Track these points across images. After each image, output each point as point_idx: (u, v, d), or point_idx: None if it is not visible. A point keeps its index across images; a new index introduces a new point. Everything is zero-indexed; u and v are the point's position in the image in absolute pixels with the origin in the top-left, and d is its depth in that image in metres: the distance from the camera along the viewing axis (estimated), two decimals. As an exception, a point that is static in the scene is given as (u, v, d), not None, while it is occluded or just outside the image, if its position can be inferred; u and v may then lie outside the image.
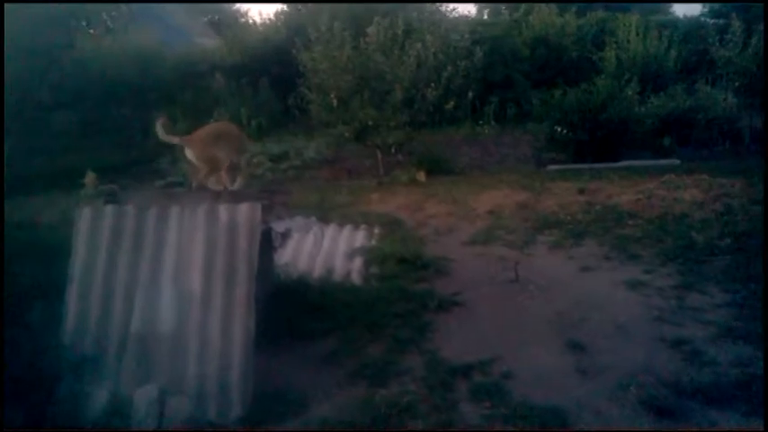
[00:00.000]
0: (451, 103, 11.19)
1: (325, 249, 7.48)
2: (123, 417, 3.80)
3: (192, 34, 31.70)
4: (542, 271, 6.50)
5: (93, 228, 4.56)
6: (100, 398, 3.93)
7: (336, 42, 11.06)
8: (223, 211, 4.58)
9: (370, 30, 11.02)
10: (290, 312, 5.48)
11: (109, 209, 4.60)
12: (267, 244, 5.66)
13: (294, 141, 14.71)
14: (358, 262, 6.98)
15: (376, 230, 8.24)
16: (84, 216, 4.60)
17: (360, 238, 7.93)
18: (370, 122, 10.74)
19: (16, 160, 12.43)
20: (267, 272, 5.70)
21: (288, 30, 18.92)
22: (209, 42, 26.71)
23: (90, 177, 9.32)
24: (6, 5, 9.11)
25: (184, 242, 4.51)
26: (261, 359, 4.41)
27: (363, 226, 8.39)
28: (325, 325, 5.36)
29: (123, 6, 16.09)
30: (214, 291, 4.36)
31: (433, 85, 10.71)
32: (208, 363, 4.17)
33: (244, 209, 4.59)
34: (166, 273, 4.42)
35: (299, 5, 20.32)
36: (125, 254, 4.48)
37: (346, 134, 11.14)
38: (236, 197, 4.77)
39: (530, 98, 14.76)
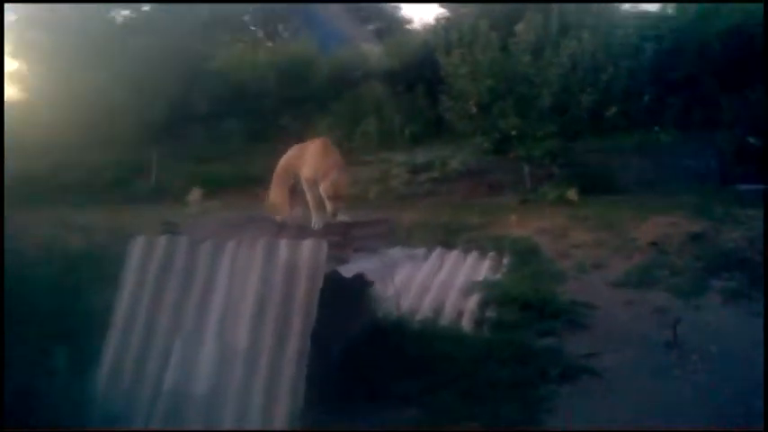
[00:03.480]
0: (613, 109, 9.55)
1: (440, 282, 6.49)
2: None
3: (355, 41, 32.25)
4: (713, 332, 4.95)
5: (144, 261, 4.01)
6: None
7: (480, 44, 9.96)
8: (283, 248, 3.81)
9: (519, 28, 9.78)
10: (379, 365, 4.58)
11: (160, 240, 4.03)
12: (360, 285, 4.85)
13: (442, 151, 13.86)
14: (474, 301, 5.90)
15: (505, 260, 7.07)
16: (136, 246, 4.08)
17: (484, 269, 6.82)
18: (514, 132, 9.50)
19: (161, 168, 13.01)
20: (352, 315, 4.88)
21: (447, 33, 18.17)
22: (370, 50, 26.86)
23: (195, 194, 9.13)
24: (152, 14, 9.47)
25: (236, 284, 3.80)
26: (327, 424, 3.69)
27: (491, 254, 7.25)
28: (416, 385, 4.35)
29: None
30: (262, 346, 3.59)
31: (589, 89, 9.17)
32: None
33: (307, 246, 3.78)
34: (212, 320, 3.73)
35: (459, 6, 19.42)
36: (171, 294, 3.86)
37: (485, 144, 10.01)
38: (300, 231, 3.99)
39: (719, 101, 12.41)
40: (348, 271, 3.82)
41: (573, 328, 5.26)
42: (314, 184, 4.20)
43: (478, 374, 4.48)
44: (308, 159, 4.25)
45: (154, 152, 13.04)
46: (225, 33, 13.67)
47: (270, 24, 30.77)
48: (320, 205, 4.24)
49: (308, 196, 4.27)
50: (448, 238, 7.95)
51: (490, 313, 5.61)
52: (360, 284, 4.93)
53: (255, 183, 12.58)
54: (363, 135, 16.03)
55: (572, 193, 9.28)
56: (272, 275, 3.76)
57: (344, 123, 16.56)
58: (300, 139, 14.60)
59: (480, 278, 6.44)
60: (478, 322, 5.44)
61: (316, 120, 17.79)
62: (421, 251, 6.45)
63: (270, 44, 20.40)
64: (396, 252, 5.02)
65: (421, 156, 13.71)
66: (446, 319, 5.59)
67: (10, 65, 11.34)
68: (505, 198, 9.94)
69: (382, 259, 4.59)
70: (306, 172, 4.24)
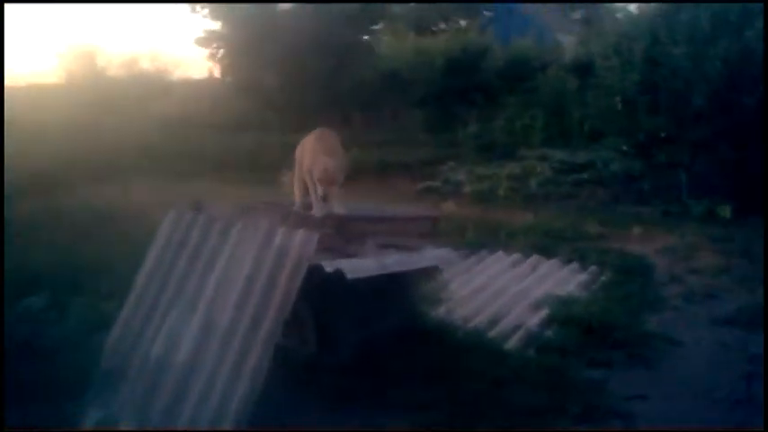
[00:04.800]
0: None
1: (516, 291, 6.01)
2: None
3: (554, 32, 30.81)
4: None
5: (168, 233, 4.28)
6: (88, 418, 3.61)
7: (639, 30, 8.86)
8: (278, 235, 3.81)
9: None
10: (390, 368, 4.39)
11: (178, 216, 4.26)
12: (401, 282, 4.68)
13: (582, 152, 12.76)
14: (538, 317, 5.36)
15: (603, 277, 6.31)
16: (167, 221, 4.36)
17: (575, 283, 6.15)
18: (663, 134, 8.35)
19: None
20: (381, 312, 4.71)
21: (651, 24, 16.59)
22: (568, 40, 25.49)
23: (286, 176, 9.26)
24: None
25: (232, 264, 3.89)
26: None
27: (592, 269, 6.52)
28: (419, 395, 4.09)
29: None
30: (238, 326, 3.64)
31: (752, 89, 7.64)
32: (204, 407, 3.50)
33: (298, 236, 3.74)
34: (206, 295, 3.87)
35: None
36: (181, 267, 4.08)
37: (624, 147, 8.93)
38: (302, 221, 3.93)
39: None
40: (331, 266, 3.69)
41: (635, 364, 4.53)
42: (310, 172, 4.13)
43: (491, 395, 4.09)
44: (306, 149, 4.17)
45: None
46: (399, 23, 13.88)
47: (457, 12, 30.75)
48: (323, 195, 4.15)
49: (309, 185, 4.19)
50: (554, 244, 7.31)
51: (549, 333, 5.07)
52: (400, 282, 4.78)
53: (398, 170, 12.81)
54: (524, 129, 15.37)
55: (725, 209, 7.92)
56: (263, 260, 3.79)
57: (512, 115, 16.03)
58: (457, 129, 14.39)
59: (562, 292, 5.83)
60: (530, 341, 4.93)
61: (486, 110, 17.50)
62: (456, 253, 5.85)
63: (444, 31, 20.39)
64: (438, 252, 4.72)
65: (584, 156, 12.79)
66: (498, 332, 5.15)
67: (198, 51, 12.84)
68: (647, 208, 8.81)
69: (399, 258, 4.34)
70: (305, 162, 4.17)
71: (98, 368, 3.91)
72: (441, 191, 10.59)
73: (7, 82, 19.33)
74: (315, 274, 3.80)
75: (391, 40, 19.24)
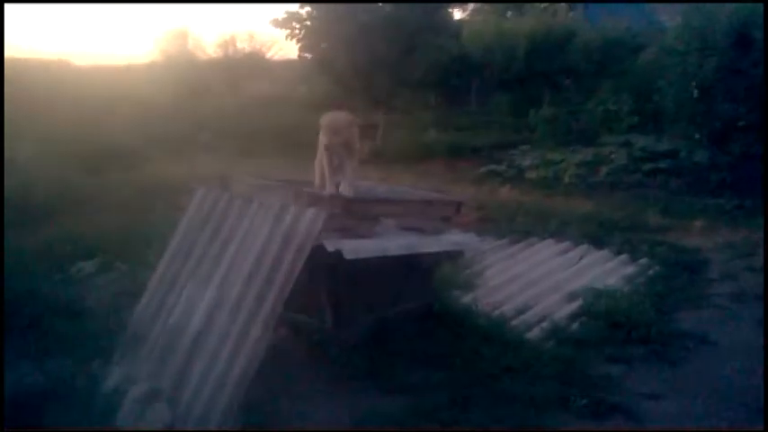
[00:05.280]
0: None
1: (556, 280, 5.86)
2: (108, 410, 3.69)
3: (660, 14, 28.98)
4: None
5: (196, 209, 4.52)
6: (109, 380, 3.91)
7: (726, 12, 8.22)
8: (289, 213, 3.95)
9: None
10: (403, 350, 4.45)
11: (206, 193, 4.48)
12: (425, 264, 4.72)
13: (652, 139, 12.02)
14: (568, 308, 5.22)
15: (651, 271, 6.02)
16: (196, 197, 4.60)
17: (619, 275, 5.91)
18: (741, 123, 7.73)
19: (393, 132, 13.71)
20: (403, 294, 4.76)
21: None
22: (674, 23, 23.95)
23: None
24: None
25: (247, 241, 4.07)
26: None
27: (642, 261, 6.23)
28: (437, 378, 4.14)
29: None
30: (244, 301, 3.82)
31: None
32: (210, 373, 3.71)
33: (307, 216, 3.86)
34: (220, 270, 4.07)
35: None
36: (202, 242, 4.31)
37: (696, 136, 8.34)
38: (313, 200, 4.02)
39: None
40: (333, 245, 3.78)
41: (658, 361, 4.33)
42: (325, 149, 4.17)
43: (496, 382, 4.07)
44: (322, 129, 4.22)
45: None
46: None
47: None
48: (334, 173, 4.20)
49: (325, 162, 4.24)
50: (609, 234, 7.04)
51: (575, 325, 4.93)
52: (420, 265, 4.80)
53: (468, 153, 12.66)
54: (609, 114, 14.70)
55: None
56: (272, 238, 3.95)
57: (599, 100, 15.39)
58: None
59: (602, 284, 5.63)
60: (553, 332, 4.82)
61: (571, 95, 16.88)
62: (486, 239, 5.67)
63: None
64: (458, 237, 4.69)
65: (668, 143, 12.11)
66: (523, 321, 5.07)
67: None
68: (720, 200, 8.24)
69: (412, 241, 4.35)
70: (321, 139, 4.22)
71: (125, 331, 4.25)
72: (504, 175, 10.39)
73: (107, 62, 20.84)
74: (329, 254, 3.93)
75: (475, 21, 18.88)
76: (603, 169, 10.17)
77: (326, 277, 4.45)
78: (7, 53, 18.60)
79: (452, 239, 4.56)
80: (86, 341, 4.25)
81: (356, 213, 4.08)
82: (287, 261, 3.82)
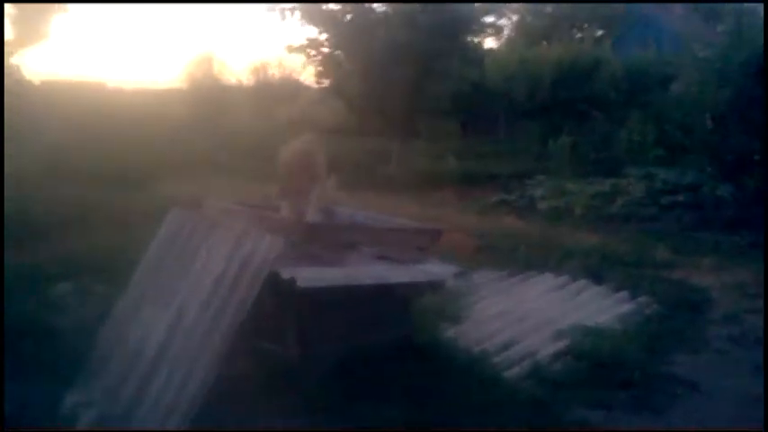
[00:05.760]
0: None
1: (548, 317, 5.61)
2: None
3: (694, 44, 28.52)
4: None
5: (165, 230, 4.46)
6: (66, 404, 3.82)
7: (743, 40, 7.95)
8: (250, 239, 3.85)
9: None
10: (381, 380, 4.27)
11: (177, 215, 4.42)
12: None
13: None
14: (554, 347, 4.97)
15: (649, 309, 5.73)
16: (169, 217, 4.55)
17: (614, 313, 5.63)
18: (756, 156, 7.41)
19: (410, 159, 13.62)
20: (377, 325, 4.58)
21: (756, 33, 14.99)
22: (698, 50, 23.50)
23: (330, 181, 9.21)
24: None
25: (209, 264, 3.98)
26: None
27: (642, 299, 5.95)
28: (398, 412, 3.94)
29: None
30: (199, 326, 3.73)
31: None
32: (159, 402, 3.60)
33: (264, 242, 3.76)
34: (180, 294, 3.99)
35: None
36: (167, 264, 4.24)
37: (708, 169, 8.01)
38: (274, 226, 3.92)
39: None
40: (288, 273, 3.65)
41: (641, 408, 4.06)
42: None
43: (464, 422, 3.85)
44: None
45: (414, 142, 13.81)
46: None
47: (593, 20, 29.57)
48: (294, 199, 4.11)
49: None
50: (611, 269, 6.76)
51: (558, 365, 4.68)
52: (395, 295, 4.64)
53: (482, 182, 12.46)
54: (633, 144, 14.38)
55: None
56: (231, 263, 3.85)
57: (624, 130, 15.07)
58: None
59: (595, 322, 5.36)
60: (534, 371, 4.58)
61: (595, 124, 16.60)
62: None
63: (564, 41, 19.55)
64: (432, 267, 4.52)
65: (691, 176, 11.73)
66: (504, 358, 4.84)
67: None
68: (734, 237, 7.87)
69: (381, 270, 4.20)
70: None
71: (91, 354, 4.17)
72: (513, 205, 10.17)
73: (137, 85, 21.41)
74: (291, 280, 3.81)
75: (501, 50, 18.81)
76: (619, 201, 9.88)
77: (292, 304, 4.33)
78: (49, 76, 19.48)
79: (426, 270, 4.39)
80: (50, 364, 4.18)
81: (319, 240, 3.96)
82: (242, 287, 3.71)
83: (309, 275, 3.72)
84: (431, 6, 12.03)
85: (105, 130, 14.06)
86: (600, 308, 5.85)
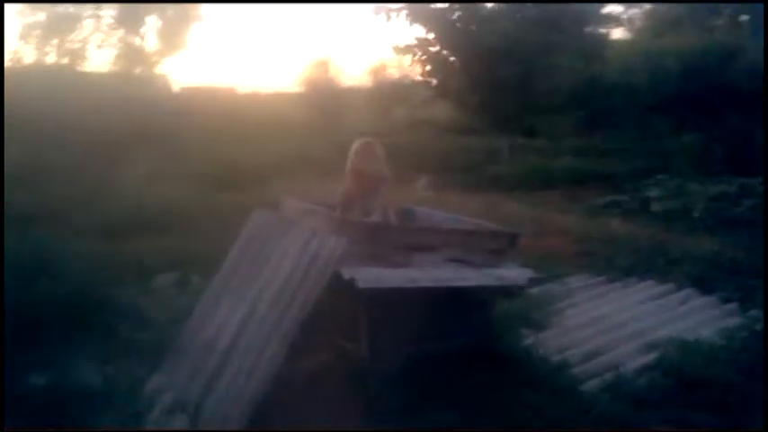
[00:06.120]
0: None
1: (643, 326, 5.25)
2: (138, 416, 3.88)
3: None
4: None
5: (249, 229, 4.69)
6: (147, 388, 4.12)
7: None
8: (318, 238, 3.95)
9: None
10: (451, 387, 4.23)
11: (259, 215, 4.62)
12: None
13: None
14: (646, 359, 4.63)
15: (759, 325, 5.16)
16: (252, 218, 4.77)
17: (719, 326, 5.15)
18: None
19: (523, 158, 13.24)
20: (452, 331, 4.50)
21: None
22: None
23: (421, 181, 9.04)
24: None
25: (281, 263, 4.14)
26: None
27: (753, 312, 5.39)
28: (466, 421, 3.89)
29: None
30: (267, 320, 3.89)
31: None
32: (228, 391, 3.79)
33: (330, 243, 3.84)
34: (254, 289, 4.18)
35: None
36: (247, 260, 4.46)
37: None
38: (339, 227, 3.98)
39: None
40: (349, 273, 3.69)
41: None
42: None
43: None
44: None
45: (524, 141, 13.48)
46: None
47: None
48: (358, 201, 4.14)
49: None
50: (723, 279, 6.19)
51: (643, 380, 4.36)
52: (471, 300, 4.55)
53: (594, 181, 11.81)
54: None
55: None
56: (299, 263, 3.98)
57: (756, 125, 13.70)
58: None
59: (694, 335, 4.94)
60: (616, 385, 4.30)
61: (727, 119, 15.21)
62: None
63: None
64: (506, 272, 4.37)
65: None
66: (585, 369, 4.59)
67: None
68: None
69: (449, 273, 4.11)
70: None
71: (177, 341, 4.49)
72: (624, 206, 9.57)
73: (256, 89, 22.64)
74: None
75: (626, 41, 17.79)
76: (745, 204, 8.99)
77: (364, 306, 4.38)
78: (186, 83, 21.26)
79: (497, 274, 4.26)
80: (142, 348, 4.55)
81: (382, 241, 3.98)
82: (308, 285, 3.83)
83: (370, 276, 3.75)
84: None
85: (228, 133, 15.06)
86: (703, 320, 5.38)
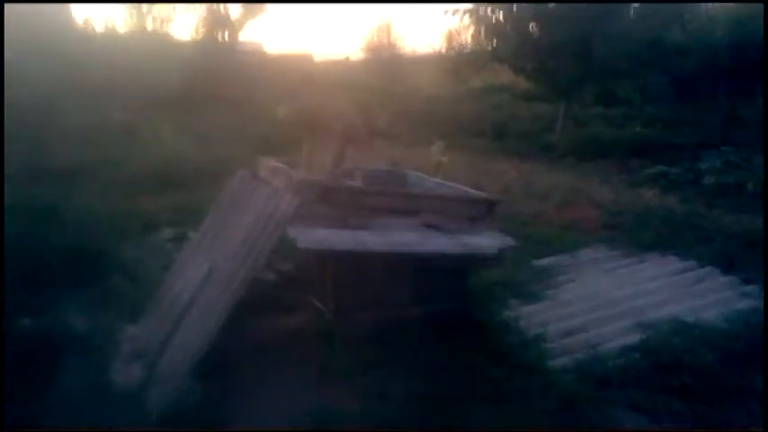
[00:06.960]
0: None
1: (645, 303, 4.91)
2: (105, 362, 4.03)
3: None
4: None
5: (228, 191, 4.71)
6: (119, 337, 4.27)
7: None
8: (277, 196, 3.93)
9: None
10: (412, 353, 4.13)
11: (240, 176, 4.63)
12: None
13: None
14: (632, 338, 4.33)
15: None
16: (233, 180, 4.79)
17: (730, 307, 4.74)
18: None
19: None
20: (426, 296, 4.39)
21: None
22: None
23: (436, 145, 8.63)
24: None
25: (245, 218, 4.16)
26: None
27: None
28: (422, 390, 3.77)
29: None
30: (222, 276, 3.93)
31: None
32: (182, 342, 3.86)
33: (284, 201, 3.81)
34: (219, 244, 4.23)
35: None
36: (220, 219, 4.50)
37: None
38: (296, 187, 3.91)
39: None
40: (293, 233, 3.63)
41: (696, 419, 3.42)
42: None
43: (470, 409, 3.58)
44: None
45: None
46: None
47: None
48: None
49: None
50: (752, 257, 5.65)
51: (621, 360, 4.08)
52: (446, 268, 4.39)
53: (650, 152, 10.98)
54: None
55: None
56: (259, 220, 3.98)
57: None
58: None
59: (695, 318, 4.56)
60: (588, 363, 4.05)
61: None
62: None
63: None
64: (486, 240, 4.15)
65: None
66: (564, 344, 4.35)
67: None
68: None
69: (409, 238, 3.95)
70: None
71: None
72: (673, 178, 8.89)
73: (324, 57, 22.69)
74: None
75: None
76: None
77: (332, 268, 4.32)
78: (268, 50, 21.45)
79: (465, 242, 4.06)
80: (127, 301, 4.73)
81: (333, 201, 3.88)
82: (262, 241, 3.82)
83: (313, 237, 3.68)
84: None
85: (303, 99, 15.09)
86: (714, 300, 4.96)
